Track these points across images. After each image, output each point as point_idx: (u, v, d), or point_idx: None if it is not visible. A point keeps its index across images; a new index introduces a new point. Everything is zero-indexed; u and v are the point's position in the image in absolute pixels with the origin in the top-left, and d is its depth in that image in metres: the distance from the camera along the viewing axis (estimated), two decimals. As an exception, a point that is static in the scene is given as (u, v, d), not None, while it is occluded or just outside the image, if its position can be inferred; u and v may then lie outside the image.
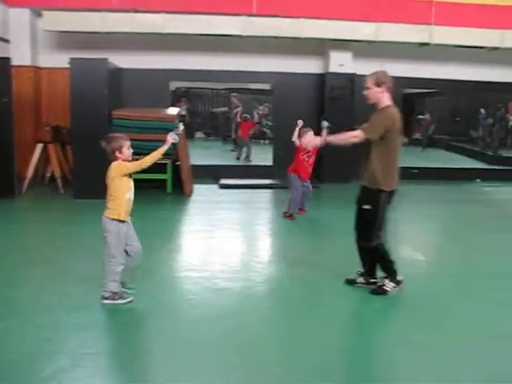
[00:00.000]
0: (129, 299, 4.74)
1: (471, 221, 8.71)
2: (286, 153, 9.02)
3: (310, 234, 7.77)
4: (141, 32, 10.55)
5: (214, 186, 10.85)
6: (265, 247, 7.18)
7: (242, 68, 11.62)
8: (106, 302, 4.70)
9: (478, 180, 12.42)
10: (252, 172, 12.26)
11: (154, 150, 4.66)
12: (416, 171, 12.25)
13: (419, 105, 22.05)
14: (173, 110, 10.57)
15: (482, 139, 19.21)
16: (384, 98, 4.91)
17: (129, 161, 4.65)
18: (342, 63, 11.63)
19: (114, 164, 4.59)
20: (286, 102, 11.78)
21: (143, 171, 4.66)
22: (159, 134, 7.41)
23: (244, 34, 10.65)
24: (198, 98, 22.91)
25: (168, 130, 5.08)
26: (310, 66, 11.89)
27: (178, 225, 8.18)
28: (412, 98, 19.62)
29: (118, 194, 4.60)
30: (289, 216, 8.19)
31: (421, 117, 20.76)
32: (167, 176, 9.89)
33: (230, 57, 11.51)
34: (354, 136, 4.87)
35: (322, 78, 11.85)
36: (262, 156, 14.36)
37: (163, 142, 4.73)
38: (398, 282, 5.12)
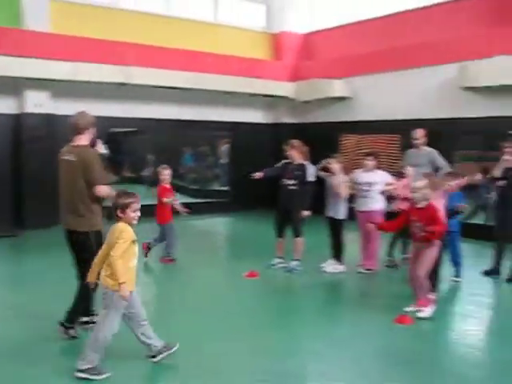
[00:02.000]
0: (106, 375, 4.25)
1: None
2: None
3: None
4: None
5: None
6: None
7: None
8: (80, 375, 4.21)
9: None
10: None
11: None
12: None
13: (125, 143, 22.13)
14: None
15: (187, 175, 20.19)
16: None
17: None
18: (39, 103, 11.00)
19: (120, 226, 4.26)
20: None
21: None
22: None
23: None
24: None
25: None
26: (2, 106, 10.97)
27: None
28: (118, 136, 19.58)
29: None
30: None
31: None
32: None
33: None
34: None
35: (17, 119, 11.03)
36: None
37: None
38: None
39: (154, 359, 4.57)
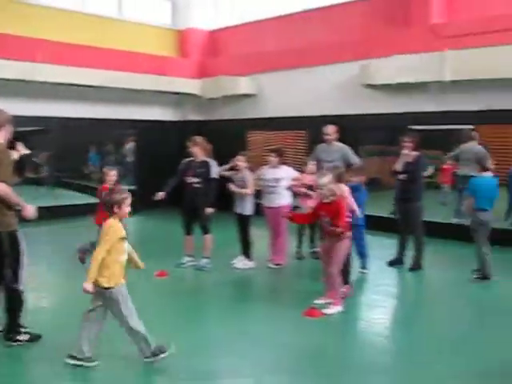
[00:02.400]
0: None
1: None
2: None
3: None
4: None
5: None
6: None
7: None
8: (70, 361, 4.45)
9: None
10: None
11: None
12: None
13: (31, 142, 21.17)
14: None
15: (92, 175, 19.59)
16: None
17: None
18: None
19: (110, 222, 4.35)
20: None
21: None
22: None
23: None
24: None
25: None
26: None
27: None
28: (23, 136, 18.66)
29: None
30: None
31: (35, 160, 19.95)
32: None
33: None
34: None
35: None
36: None
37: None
38: None
39: (71, 361, 4.51)
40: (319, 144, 8.68)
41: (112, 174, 7.76)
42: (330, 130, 8.53)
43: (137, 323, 4.47)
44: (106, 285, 4.38)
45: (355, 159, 8.42)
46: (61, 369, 4.47)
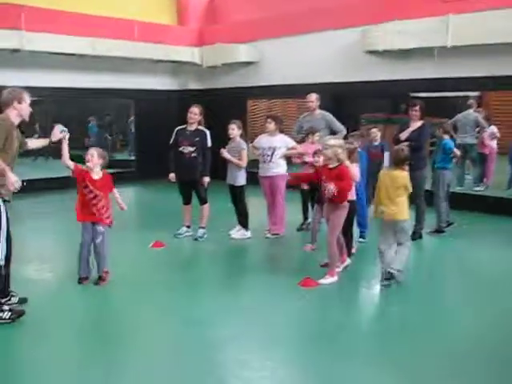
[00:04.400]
0: None
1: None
2: None
3: None
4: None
5: None
6: None
7: None
8: None
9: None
10: None
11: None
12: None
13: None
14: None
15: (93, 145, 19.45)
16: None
17: None
18: None
19: None
20: None
21: None
22: None
23: None
24: None
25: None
26: None
27: None
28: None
29: None
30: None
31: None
32: None
33: None
34: None
35: None
36: None
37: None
38: None
39: None
40: (303, 114, 8.67)
41: (90, 155, 5.97)
42: (313, 97, 8.50)
43: None
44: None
45: (340, 127, 8.37)
46: None
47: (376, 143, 8.70)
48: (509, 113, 13.34)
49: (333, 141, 5.96)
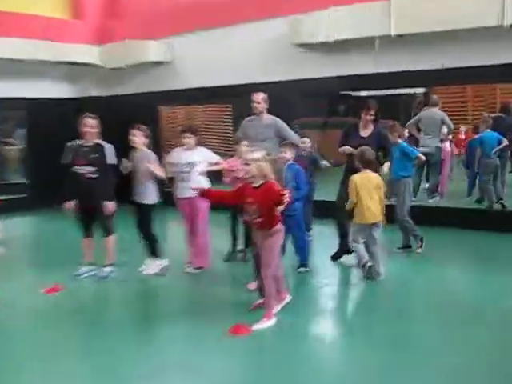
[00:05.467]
0: None
1: None
2: None
3: None
4: None
5: None
6: None
7: None
8: None
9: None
10: None
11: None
12: None
13: None
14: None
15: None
16: None
17: None
18: None
19: None
20: None
21: None
22: None
23: None
24: None
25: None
26: None
27: None
28: None
29: None
30: None
31: None
32: None
33: None
34: None
35: None
36: None
37: None
38: None
39: None
40: (247, 118, 8.03)
41: None
42: (259, 97, 7.79)
43: None
44: None
45: (294, 136, 7.78)
46: None
47: (304, 154, 8.23)
48: (455, 110, 13.34)
49: (256, 154, 5.48)
